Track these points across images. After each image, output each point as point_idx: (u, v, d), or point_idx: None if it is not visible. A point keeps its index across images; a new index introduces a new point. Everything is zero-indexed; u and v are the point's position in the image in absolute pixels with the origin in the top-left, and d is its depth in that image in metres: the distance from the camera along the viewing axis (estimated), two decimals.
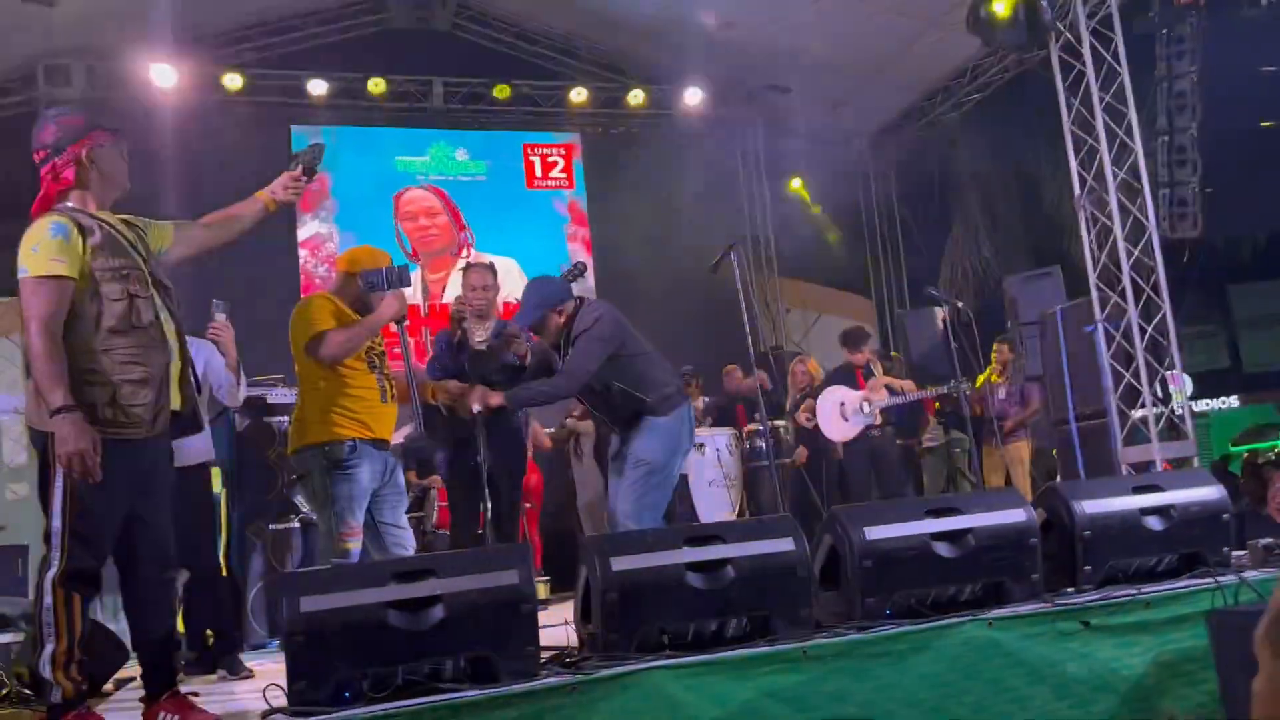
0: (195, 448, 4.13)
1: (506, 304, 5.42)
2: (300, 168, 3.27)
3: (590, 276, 10.65)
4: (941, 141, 11.11)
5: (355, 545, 3.72)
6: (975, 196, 10.79)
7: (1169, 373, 6.56)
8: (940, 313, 8.01)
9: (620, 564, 2.98)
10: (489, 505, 4.66)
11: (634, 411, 4.19)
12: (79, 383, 2.74)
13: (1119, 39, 6.32)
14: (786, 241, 11.42)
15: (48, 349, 2.70)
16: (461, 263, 10.17)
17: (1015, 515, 3.29)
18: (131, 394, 2.82)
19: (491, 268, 5.15)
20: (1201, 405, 16.39)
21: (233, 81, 9.49)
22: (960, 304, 5.25)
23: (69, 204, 2.91)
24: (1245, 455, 10.97)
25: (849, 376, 7.17)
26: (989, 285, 10.50)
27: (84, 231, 2.82)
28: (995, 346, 7.43)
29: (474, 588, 2.88)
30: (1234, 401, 17.11)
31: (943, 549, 3.21)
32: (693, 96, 10.81)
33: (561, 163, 10.81)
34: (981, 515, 3.27)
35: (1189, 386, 15.65)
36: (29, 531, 7.02)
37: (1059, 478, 7.13)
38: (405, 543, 3.94)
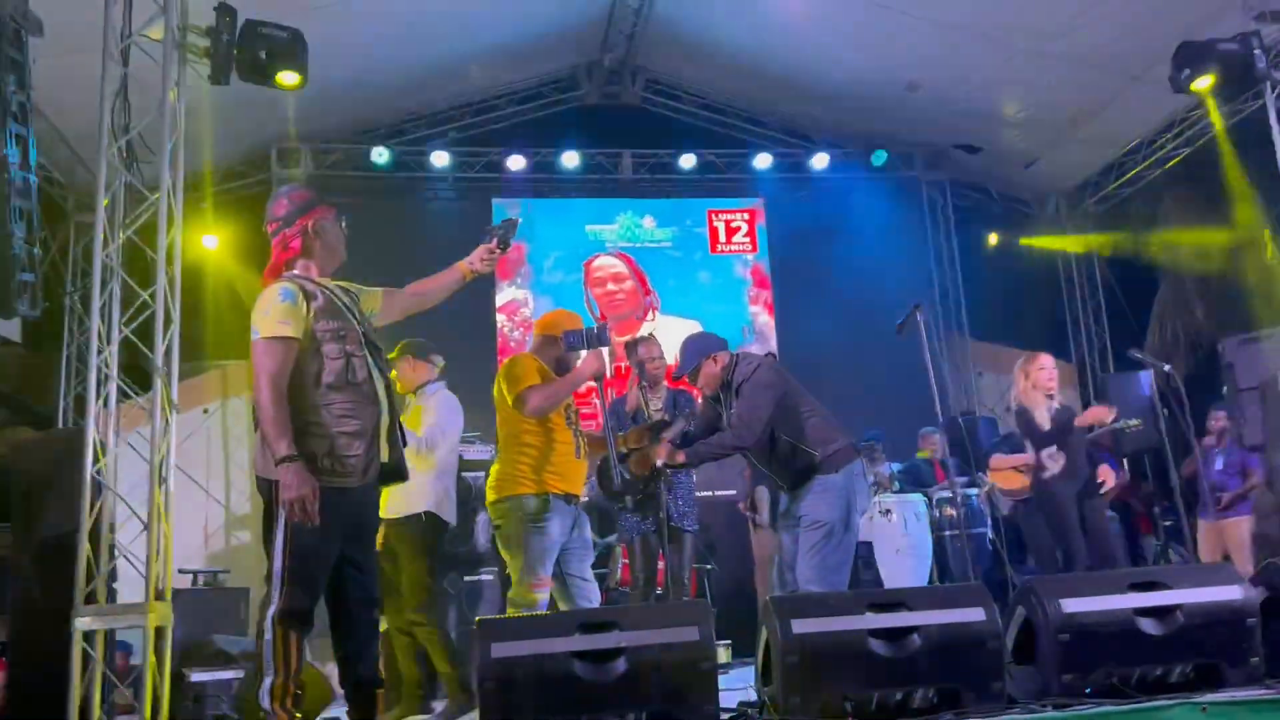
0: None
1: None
2: (495, 240, 3.50)
3: (772, 338, 10.68)
4: (1144, 197, 10.55)
5: (543, 596, 3.86)
6: (1183, 254, 10.16)
7: None
8: (1147, 377, 7.54)
9: (801, 626, 2.98)
10: (668, 562, 4.73)
11: (802, 468, 4.16)
12: (301, 434, 3.00)
13: None
14: (978, 303, 11.09)
15: (274, 403, 2.98)
16: (647, 328, 10.45)
17: (1230, 592, 3.08)
18: (347, 445, 3.06)
19: (654, 339, 5.63)
20: None
21: (440, 159, 10.19)
22: (1168, 368, 4.94)
23: (295, 271, 3.23)
24: None
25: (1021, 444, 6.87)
26: (1201, 348, 9.82)
27: (308, 296, 3.11)
28: (1211, 414, 6.94)
29: (655, 642, 2.94)
30: None
31: (1148, 625, 3.03)
32: (878, 158, 10.77)
33: (745, 227, 10.95)
34: (1191, 590, 3.08)
35: None
36: (251, 575, 7.61)
37: None
38: (590, 595, 4.05)
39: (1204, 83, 6.44)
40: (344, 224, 3.35)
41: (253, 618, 6.69)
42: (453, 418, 4.83)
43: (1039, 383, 5.69)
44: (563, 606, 3.97)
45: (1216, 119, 8.46)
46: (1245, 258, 9.16)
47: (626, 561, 6.45)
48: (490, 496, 4.06)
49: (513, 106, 10.65)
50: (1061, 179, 11.13)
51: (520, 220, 3.65)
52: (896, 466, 8.03)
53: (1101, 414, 5.78)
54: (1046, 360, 5.83)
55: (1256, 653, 3.03)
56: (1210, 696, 2.88)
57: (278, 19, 5.38)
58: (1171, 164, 9.98)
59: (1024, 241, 11.24)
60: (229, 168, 9.76)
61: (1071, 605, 3.03)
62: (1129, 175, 10.48)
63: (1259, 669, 3.02)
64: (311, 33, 5.51)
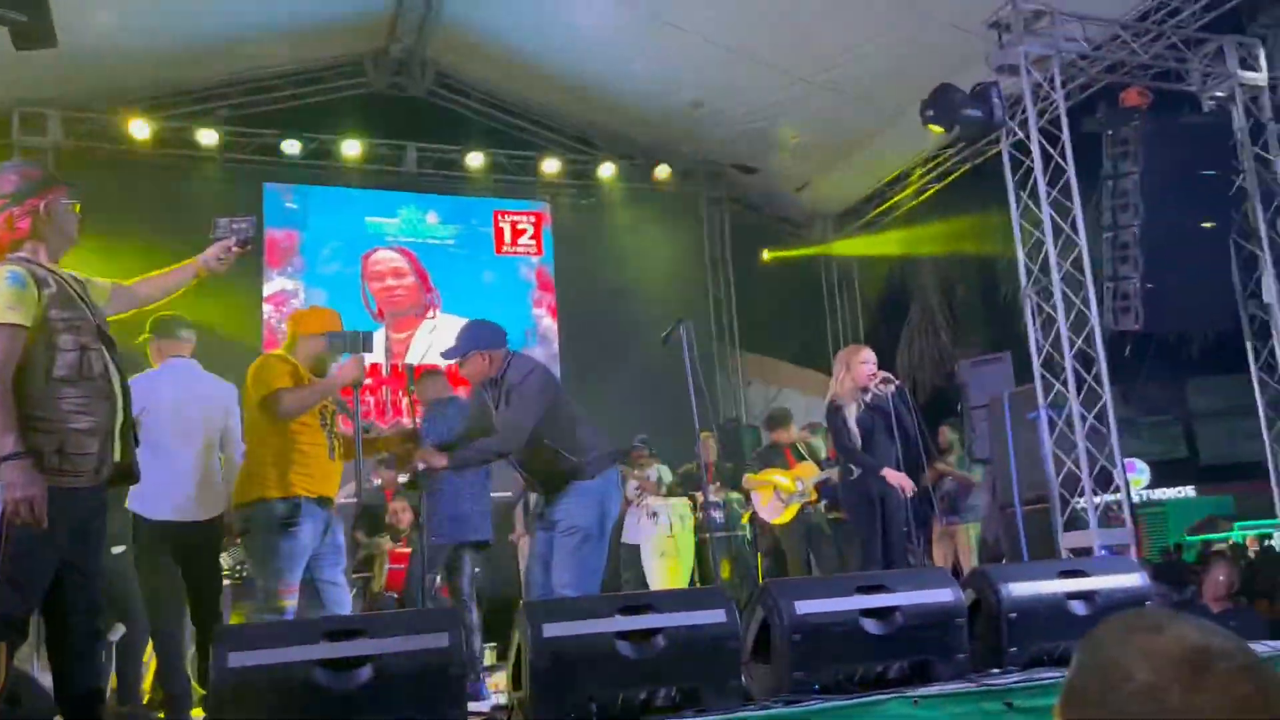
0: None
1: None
2: (235, 240, 3.35)
3: (554, 342, 10.77)
4: (902, 226, 11.40)
5: (292, 603, 3.73)
6: (933, 281, 11.05)
7: (1126, 460, 6.69)
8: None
9: (552, 630, 3.02)
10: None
11: (562, 472, 4.23)
12: (26, 429, 2.77)
13: (1066, 138, 6.60)
14: (749, 317, 11.61)
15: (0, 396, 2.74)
16: (427, 325, 10.28)
17: (943, 595, 3.37)
18: (79, 443, 2.85)
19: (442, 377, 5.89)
20: (1159, 494, 16.63)
21: (208, 138, 9.61)
22: (902, 384, 5.35)
23: (23, 254, 2.97)
24: (1199, 545, 11.18)
25: (779, 456, 7.20)
26: (945, 368, 10.71)
27: (39, 282, 2.88)
28: (940, 430, 7.58)
29: (404, 650, 2.91)
30: (1190, 491, 17.35)
31: (871, 625, 3.27)
32: (661, 171, 11.07)
33: (531, 229, 10.97)
34: (910, 593, 3.34)
35: (1145, 476, 15.92)
36: None
37: (1005, 561, 7.21)
38: (343, 601, 3.95)
39: (946, 126, 7.05)
40: (77, 209, 3.11)
41: None
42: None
43: (859, 377, 5.37)
44: (312, 614, 3.85)
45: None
46: (983, 286, 10.07)
47: (393, 567, 6.33)
48: (234, 500, 3.88)
49: (292, 89, 10.19)
50: (829, 203, 11.84)
51: (253, 220, 3.47)
52: (666, 472, 8.25)
53: None
54: (869, 354, 5.52)
55: (963, 649, 3.34)
56: (922, 690, 3.14)
57: None
58: (926, 195, 10.83)
59: (792, 253, 11.84)
60: None
61: (804, 606, 3.22)
62: (889, 203, 11.29)
63: (965, 664, 3.33)
64: None
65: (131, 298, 3.27)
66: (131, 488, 3.60)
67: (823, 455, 7.29)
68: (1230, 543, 11.23)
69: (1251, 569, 7.68)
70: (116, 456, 2.97)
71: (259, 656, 2.79)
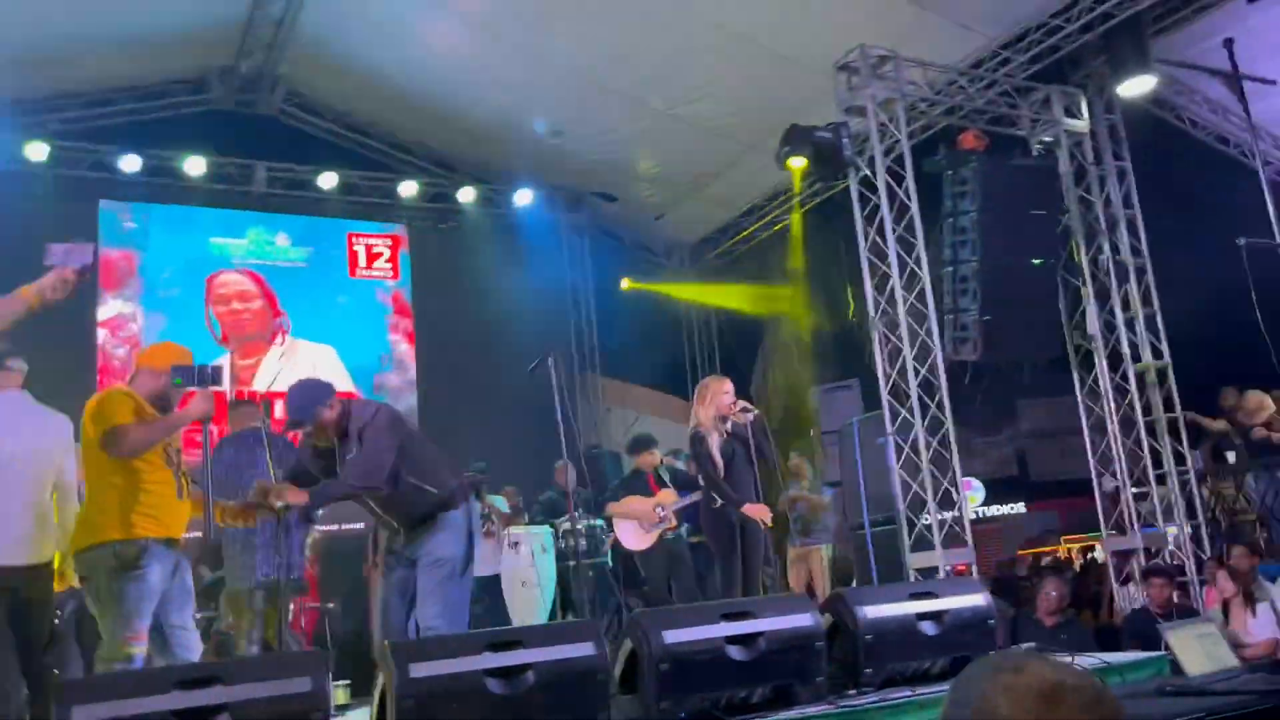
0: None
1: None
2: (73, 270, 3.19)
3: (411, 368, 10.59)
4: (754, 256, 11.75)
5: (140, 650, 3.54)
6: (785, 310, 11.42)
7: (964, 479, 7.05)
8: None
9: (419, 670, 2.96)
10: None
11: (425, 507, 4.19)
12: None
13: (909, 177, 6.96)
14: (609, 343, 11.72)
15: None
16: (276, 350, 9.93)
17: (803, 620, 3.47)
18: None
19: None
20: (993, 510, 17.55)
21: (37, 151, 9.06)
22: (760, 415, 5.52)
23: None
24: (1030, 559, 11.88)
25: (641, 483, 7.23)
26: (798, 395, 11.05)
27: None
28: (791, 456, 7.82)
29: (264, 695, 2.80)
30: (1021, 508, 18.37)
31: (735, 652, 3.33)
32: (522, 197, 11.07)
33: (387, 253, 10.78)
34: (773, 619, 3.42)
35: (980, 494, 16.78)
36: None
37: (855, 582, 7.49)
38: (191, 645, 3.77)
39: (798, 162, 7.34)
40: None
41: None
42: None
43: (721, 406, 5.41)
44: (160, 661, 3.65)
45: (798, 192, 9.67)
46: (832, 316, 10.46)
47: None
48: (75, 546, 3.66)
49: (130, 103, 9.72)
50: (686, 233, 12.10)
51: (93, 246, 3.31)
52: (503, 502, 8.22)
53: None
54: (729, 385, 5.58)
55: (822, 673, 3.44)
56: (784, 714, 3.23)
57: None
58: (778, 228, 11.20)
59: (650, 287, 12.03)
60: None
61: (671, 636, 3.26)
62: (742, 234, 11.62)
63: (824, 687, 3.44)
64: None
65: None
66: None
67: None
68: (1056, 555, 12.00)
69: (1077, 580, 8.21)
70: None
71: (109, 709, 2.63)
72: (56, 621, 4.60)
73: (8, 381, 4.14)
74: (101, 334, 9.25)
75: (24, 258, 3.28)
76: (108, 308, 9.35)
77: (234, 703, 2.73)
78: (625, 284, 11.97)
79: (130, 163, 9.41)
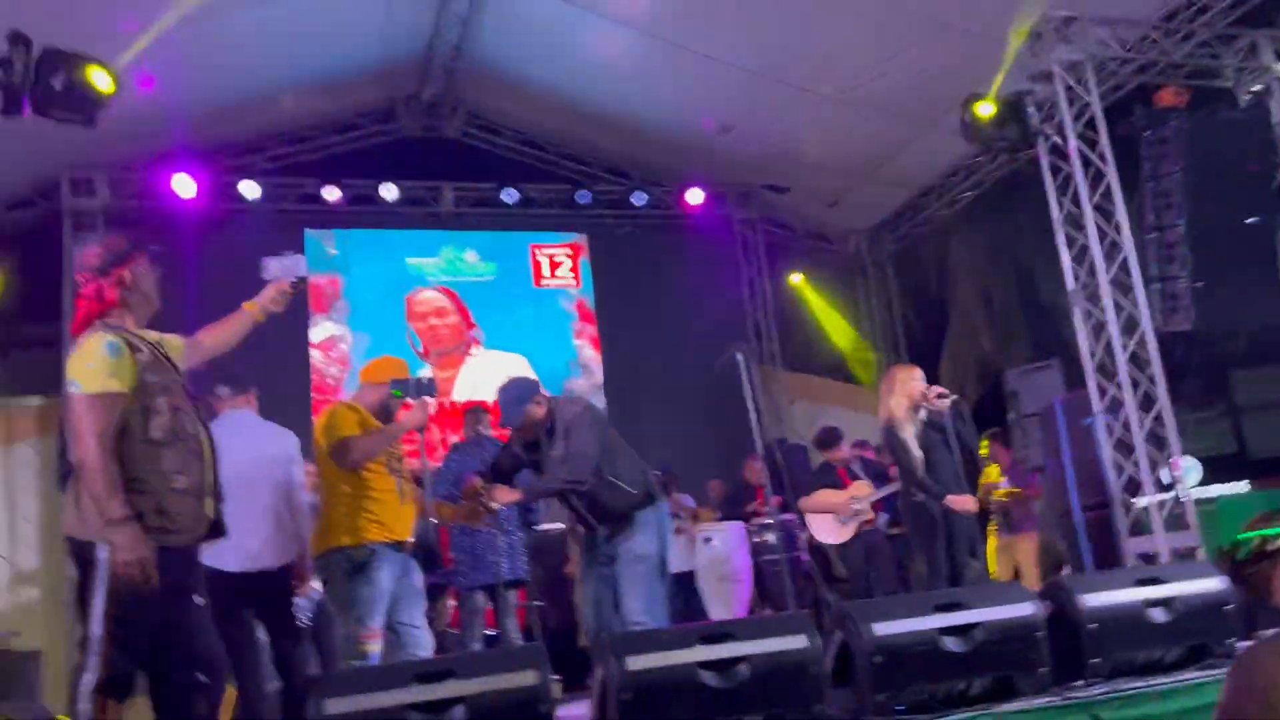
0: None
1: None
2: (289, 281, 3.41)
3: (598, 372, 10.84)
4: (937, 237, 11.38)
5: (375, 648, 3.80)
6: (971, 290, 11.01)
7: (1171, 459, 6.60)
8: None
9: (635, 663, 3.05)
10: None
11: (623, 505, 4.29)
12: (127, 492, 2.85)
13: (1104, 142, 6.58)
14: (789, 336, 11.63)
15: (103, 462, 2.81)
16: (470, 362, 10.39)
17: (1022, 609, 3.36)
18: (175, 502, 2.93)
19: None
20: (1211, 491, 16.33)
21: (250, 190, 9.82)
22: (955, 397, 5.33)
23: (111, 321, 3.07)
24: (1254, 542, 10.95)
25: (832, 476, 7.14)
26: (988, 378, 10.63)
27: (133, 349, 2.97)
28: (984, 441, 7.50)
29: (493, 689, 2.95)
30: (1243, 487, 17.02)
31: (951, 643, 3.26)
32: (694, 196, 11.13)
33: (568, 262, 11.07)
34: (989, 609, 3.33)
35: (1197, 473, 15.65)
36: (41, 637, 7.05)
37: (1067, 570, 7.14)
38: (423, 643, 4.01)
39: (986, 109, 6.99)
40: (156, 271, 3.21)
41: (46, 684, 6.21)
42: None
43: (912, 396, 5.27)
44: (395, 658, 3.91)
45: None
46: (1025, 294, 10.02)
47: (455, 604, 6.38)
48: (314, 551, 3.96)
49: (327, 137, 10.41)
50: (861, 218, 11.85)
51: (301, 256, 3.53)
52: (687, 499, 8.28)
53: None
54: (918, 372, 5.43)
55: (1044, 663, 3.32)
56: (1005, 707, 3.14)
57: (74, 44, 5.10)
58: (960, 206, 10.82)
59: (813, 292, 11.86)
60: (13, 195, 9.08)
61: (881, 629, 3.23)
62: (922, 215, 11.28)
63: (1046, 678, 3.31)
64: (110, 55, 5.25)
65: (201, 351, 3.34)
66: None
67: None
68: None
69: None
70: (210, 514, 3.05)
71: (354, 702, 2.84)
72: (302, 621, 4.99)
73: (244, 403, 4.55)
74: (315, 355, 9.92)
75: (246, 285, 3.53)
76: (319, 330, 10.02)
77: (469, 695, 2.90)
78: (794, 279, 11.85)
79: (331, 193, 10.06)
